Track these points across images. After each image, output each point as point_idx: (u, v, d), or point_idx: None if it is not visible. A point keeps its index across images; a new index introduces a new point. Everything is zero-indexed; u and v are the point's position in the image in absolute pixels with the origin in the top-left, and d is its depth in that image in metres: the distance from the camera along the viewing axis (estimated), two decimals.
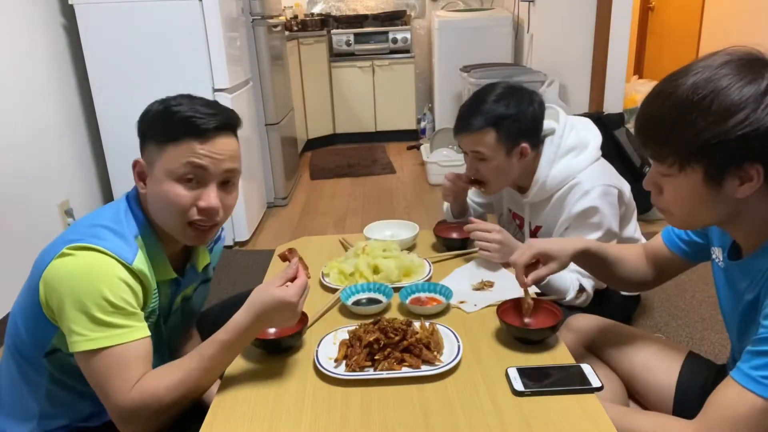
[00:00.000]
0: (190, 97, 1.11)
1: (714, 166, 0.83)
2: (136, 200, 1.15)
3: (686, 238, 1.16)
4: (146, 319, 1.08)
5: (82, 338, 0.99)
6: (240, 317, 1.02)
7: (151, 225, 1.14)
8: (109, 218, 1.09)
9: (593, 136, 1.62)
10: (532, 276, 1.16)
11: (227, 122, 1.10)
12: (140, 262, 1.07)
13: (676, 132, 0.84)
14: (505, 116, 1.49)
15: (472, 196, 1.89)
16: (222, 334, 1.02)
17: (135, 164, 1.11)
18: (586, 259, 1.23)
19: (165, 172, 1.07)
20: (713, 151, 0.82)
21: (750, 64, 0.82)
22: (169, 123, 1.06)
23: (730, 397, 0.86)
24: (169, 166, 1.07)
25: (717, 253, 1.06)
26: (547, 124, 1.58)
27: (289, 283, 1.05)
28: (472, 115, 1.52)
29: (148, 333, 1.06)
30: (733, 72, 0.81)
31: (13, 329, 1.13)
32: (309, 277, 1.09)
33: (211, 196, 1.09)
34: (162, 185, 1.08)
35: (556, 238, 1.24)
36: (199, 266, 1.27)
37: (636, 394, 1.26)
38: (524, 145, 1.52)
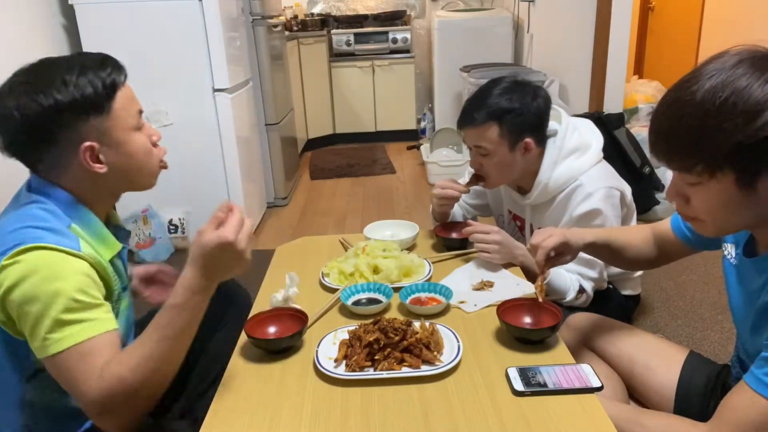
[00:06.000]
0: (61, 61, 1.04)
1: (746, 168, 0.81)
2: (49, 189, 1.05)
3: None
4: (119, 302, 1.04)
5: (49, 341, 0.94)
6: (186, 274, 0.97)
7: (82, 203, 1.07)
8: (28, 219, 0.99)
9: (595, 137, 1.62)
10: (550, 263, 1.21)
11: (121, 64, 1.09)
12: (86, 248, 1.01)
13: (703, 139, 0.81)
14: (509, 110, 1.49)
15: (467, 198, 1.88)
16: (172, 298, 0.96)
17: (87, 149, 1.02)
18: (593, 249, 1.28)
19: (125, 130, 1.05)
20: (744, 154, 0.79)
21: (763, 61, 0.80)
22: (99, 91, 1.01)
23: (744, 401, 0.86)
24: (126, 123, 1.05)
25: (729, 249, 1.05)
26: (550, 125, 1.58)
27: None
28: (475, 108, 1.52)
29: (116, 324, 1.01)
30: (749, 71, 0.79)
31: None
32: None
33: (154, 130, 1.13)
34: (130, 144, 1.06)
35: (571, 229, 1.26)
36: (119, 223, 1.23)
37: (636, 394, 1.27)
38: (528, 140, 1.52)
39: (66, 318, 0.94)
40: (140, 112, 1.10)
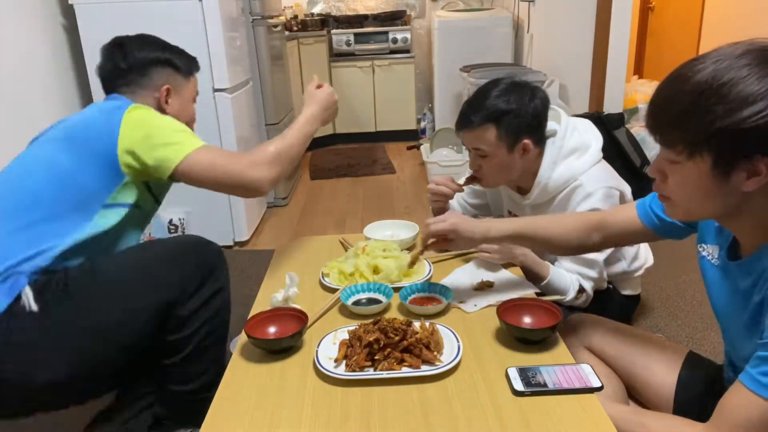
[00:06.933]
0: (152, 39, 1.55)
1: (723, 156, 0.82)
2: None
3: (663, 215, 1.15)
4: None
5: (182, 145, 1.33)
6: (306, 110, 1.57)
7: None
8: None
9: (594, 137, 1.62)
10: (431, 245, 1.32)
11: None
12: None
13: (690, 117, 0.82)
14: (506, 112, 1.49)
15: (466, 197, 1.88)
16: (300, 120, 1.55)
17: (167, 89, 1.51)
18: (515, 241, 1.35)
19: (191, 96, 1.59)
20: (724, 141, 0.80)
21: None
22: (192, 63, 1.58)
23: (741, 402, 0.86)
24: (192, 91, 1.60)
25: (710, 251, 1.05)
26: (549, 125, 1.58)
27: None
28: (473, 111, 1.52)
29: None
30: (753, 62, 0.79)
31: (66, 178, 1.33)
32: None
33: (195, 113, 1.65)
34: (189, 105, 1.59)
35: (479, 221, 1.30)
36: None
37: (636, 394, 1.27)
38: (526, 141, 1.52)
39: (186, 131, 1.38)
40: (197, 93, 1.63)
